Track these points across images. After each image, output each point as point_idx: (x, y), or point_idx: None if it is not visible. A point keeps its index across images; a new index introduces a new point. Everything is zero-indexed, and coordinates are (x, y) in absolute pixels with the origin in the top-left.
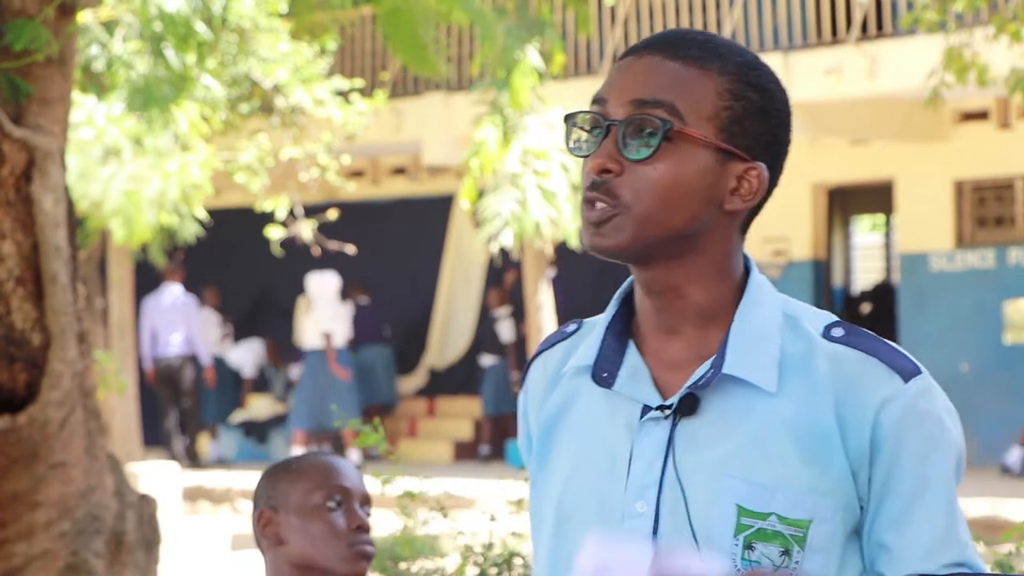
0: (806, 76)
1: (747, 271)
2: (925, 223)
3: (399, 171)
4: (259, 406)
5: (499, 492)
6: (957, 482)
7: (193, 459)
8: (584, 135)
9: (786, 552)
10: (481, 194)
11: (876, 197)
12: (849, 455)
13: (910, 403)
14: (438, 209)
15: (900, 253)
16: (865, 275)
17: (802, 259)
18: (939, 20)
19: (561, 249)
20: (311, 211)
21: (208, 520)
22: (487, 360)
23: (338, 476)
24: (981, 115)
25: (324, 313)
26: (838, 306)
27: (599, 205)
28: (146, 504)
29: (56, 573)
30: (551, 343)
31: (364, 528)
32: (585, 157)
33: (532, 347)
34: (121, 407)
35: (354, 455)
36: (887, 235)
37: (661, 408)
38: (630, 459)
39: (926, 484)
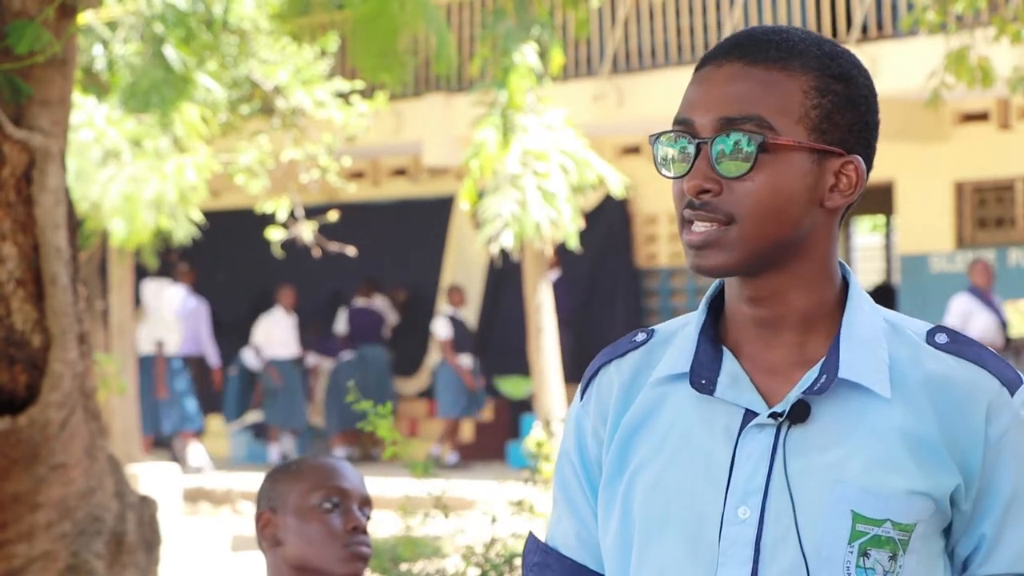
0: None
1: (844, 278)
2: (925, 224)
3: (399, 172)
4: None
5: (500, 493)
6: None
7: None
8: (673, 153)
9: (894, 557)
10: (481, 195)
11: (876, 198)
12: (956, 462)
13: (1017, 413)
14: (438, 210)
15: (900, 254)
16: (865, 276)
17: None
18: (939, 21)
19: (561, 250)
20: (312, 212)
21: (208, 521)
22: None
23: (336, 477)
24: (981, 116)
25: (158, 321)
26: None
27: (701, 227)
28: (147, 505)
29: (56, 574)
30: (621, 352)
31: (360, 529)
32: (677, 178)
33: (533, 347)
34: (121, 408)
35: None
36: (887, 236)
37: (773, 416)
38: (732, 465)
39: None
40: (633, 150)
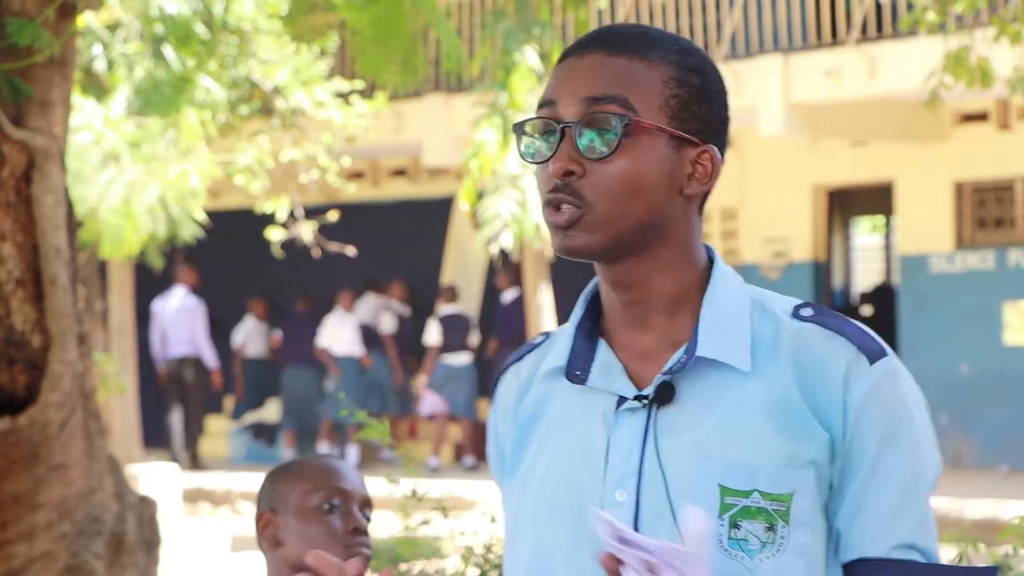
0: (806, 77)
1: (710, 260)
2: (925, 224)
3: (399, 172)
4: (270, 409)
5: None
6: (934, 469)
7: (194, 460)
8: (537, 141)
9: (771, 527)
10: (481, 195)
11: (876, 198)
12: (827, 428)
13: (874, 384)
14: (438, 210)
15: (900, 255)
16: (865, 277)
17: (802, 260)
18: (939, 21)
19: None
20: (311, 213)
21: (208, 521)
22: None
23: (337, 478)
24: (981, 116)
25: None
26: (838, 307)
27: (565, 208)
28: (146, 505)
29: (56, 574)
30: (520, 355)
31: (361, 531)
32: (542, 163)
33: None
34: (121, 408)
35: (352, 455)
36: (887, 236)
37: (638, 398)
38: (607, 450)
39: (883, 464)
40: None
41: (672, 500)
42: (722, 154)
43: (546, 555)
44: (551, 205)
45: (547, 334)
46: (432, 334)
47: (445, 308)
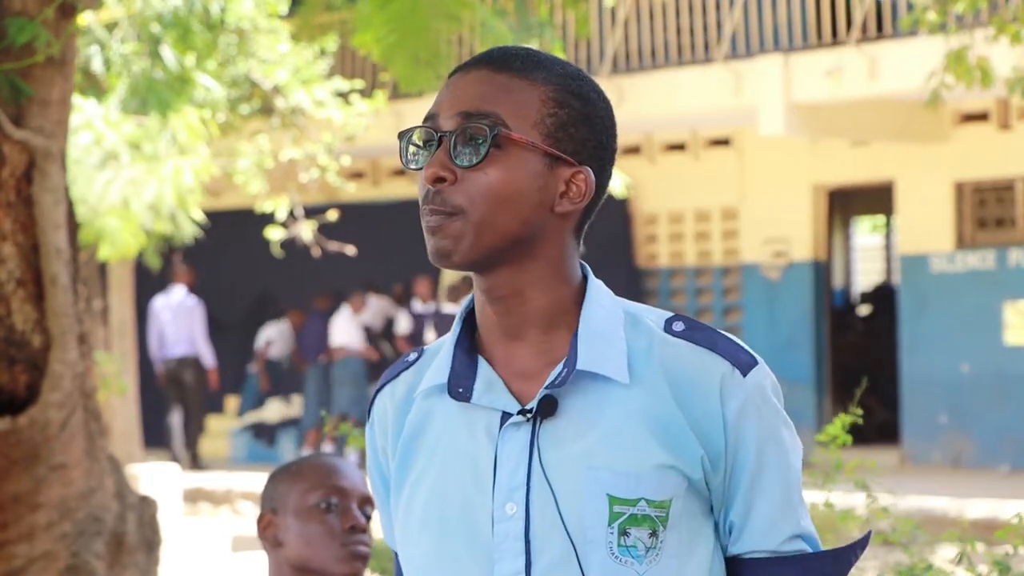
0: (806, 77)
1: (584, 278)
2: (925, 224)
3: (399, 172)
4: (270, 409)
5: None
6: (799, 454)
7: (194, 460)
8: (418, 150)
9: (654, 533)
10: None
11: (876, 198)
12: (702, 443)
13: (750, 395)
14: None
15: (900, 254)
16: (865, 276)
17: (802, 260)
18: (939, 21)
19: None
20: (311, 212)
21: (208, 521)
22: None
23: (336, 477)
24: (981, 116)
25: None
26: (838, 307)
27: (435, 214)
28: (147, 505)
29: (57, 574)
30: (395, 373)
31: (359, 528)
32: (419, 169)
33: None
34: (122, 408)
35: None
36: (887, 236)
37: (522, 412)
38: (495, 466)
39: (766, 467)
40: (633, 150)
41: (562, 511)
42: (603, 180)
43: (439, 567)
44: (424, 211)
45: (420, 350)
46: (402, 325)
47: (447, 307)
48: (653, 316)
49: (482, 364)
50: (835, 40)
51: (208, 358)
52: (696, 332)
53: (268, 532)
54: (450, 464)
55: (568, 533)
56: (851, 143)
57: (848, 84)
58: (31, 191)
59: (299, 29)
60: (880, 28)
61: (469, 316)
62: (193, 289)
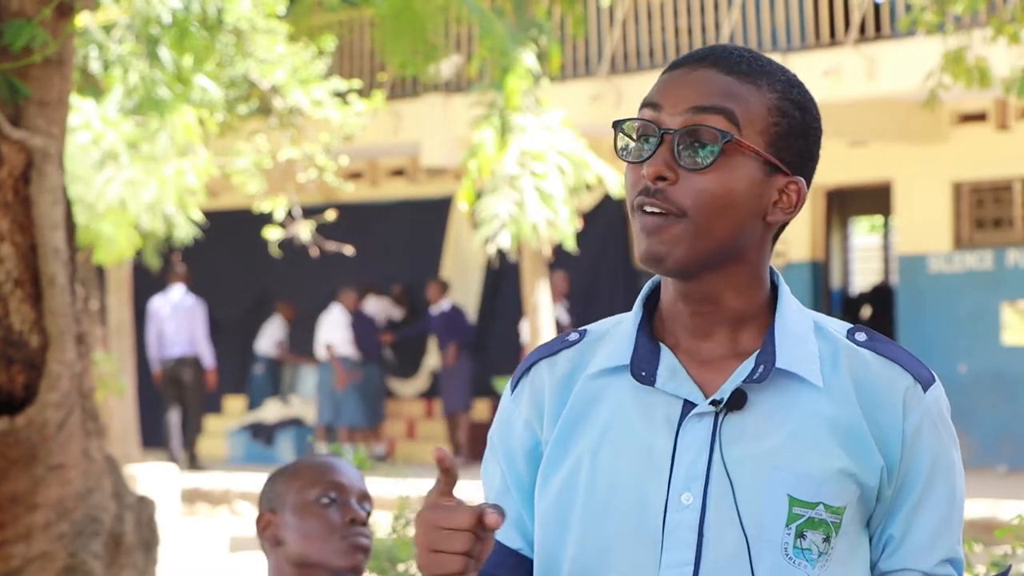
0: (805, 77)
1: (774, 282)
2: (923, 225)
3: (397, 172)
4: (268, 409)
5: None
6: (962, 477)
7: (192, 460)
8: (632, 142)
9: (827, 539)
10: (479, 196)
11: (875, 198)
12: (882, 452)
13: (928, 411)
14: (436, 211)
15: (898, 255)
16: (863, 277)
17: (800, 260)
18: (937, 22)
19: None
20: (309, 212)
21: (206, 522)
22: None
23: (333, 473)
24: (979, 117)
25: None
26: (836, 308)
27: (656, 212)
28: (144, 506)
29: (54, 574)
30: (554, 349)
31: (359, 521)
32: (635, 163)
33: (531, 346)
34: (120, 409)
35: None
36: (885, 236)
37: (714, 403)
38: (673, 453)
39: (934, 485)
40: None
41: (739, 506)
42: (808, 189)
43: (599, 551)
44: (639, 208)
45: (582, 331)
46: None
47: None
48: (835, 324)
49: (664, 351)
50: (833, 40)
51: (208, 358)
52: (879, 344)
53: (267, 532)
54: (622, 447)
55: (743, 529)
56: (849, 143)
57: (846, 84)
58: (29, 191)
59: (295, 29)
60: (878, 28)
61: (647, 300)
62: (191, 289)
